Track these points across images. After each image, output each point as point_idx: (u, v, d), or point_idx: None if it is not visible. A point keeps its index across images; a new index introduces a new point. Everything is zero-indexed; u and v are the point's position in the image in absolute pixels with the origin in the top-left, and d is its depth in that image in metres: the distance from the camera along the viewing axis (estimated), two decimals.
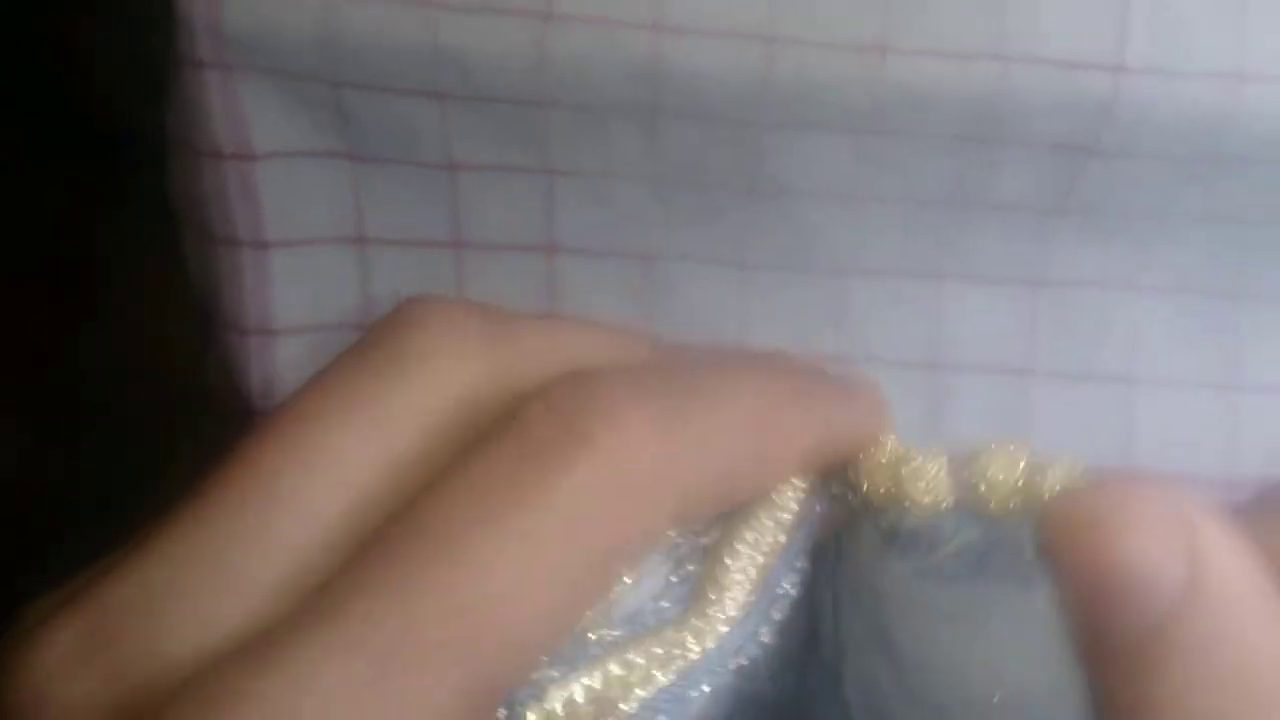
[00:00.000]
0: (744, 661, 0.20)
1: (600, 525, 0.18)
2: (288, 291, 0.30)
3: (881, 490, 0.21)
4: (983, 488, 0.21)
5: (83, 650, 0.17)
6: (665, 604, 0.20)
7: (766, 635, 0.20)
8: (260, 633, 0.17)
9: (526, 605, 0.17)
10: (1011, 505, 0.21)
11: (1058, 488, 0.20)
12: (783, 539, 0.21)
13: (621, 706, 0.18)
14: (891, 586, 0.21)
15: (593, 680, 0.18)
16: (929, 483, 0.21)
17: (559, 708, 0.18)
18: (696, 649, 0.19)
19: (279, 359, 0.31)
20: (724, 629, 0.20)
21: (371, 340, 0.20)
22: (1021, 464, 0.21)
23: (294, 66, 0.28)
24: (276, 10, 0.28)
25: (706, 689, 0.19)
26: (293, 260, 0.30)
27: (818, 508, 0.22)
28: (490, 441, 0.18)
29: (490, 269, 0.31)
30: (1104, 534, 0.18)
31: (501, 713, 0.18)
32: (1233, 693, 0.18)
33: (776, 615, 0.20)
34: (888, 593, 0.21)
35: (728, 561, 0.20)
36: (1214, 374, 0.31)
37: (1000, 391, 0.31)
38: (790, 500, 0.21)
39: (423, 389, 0.19)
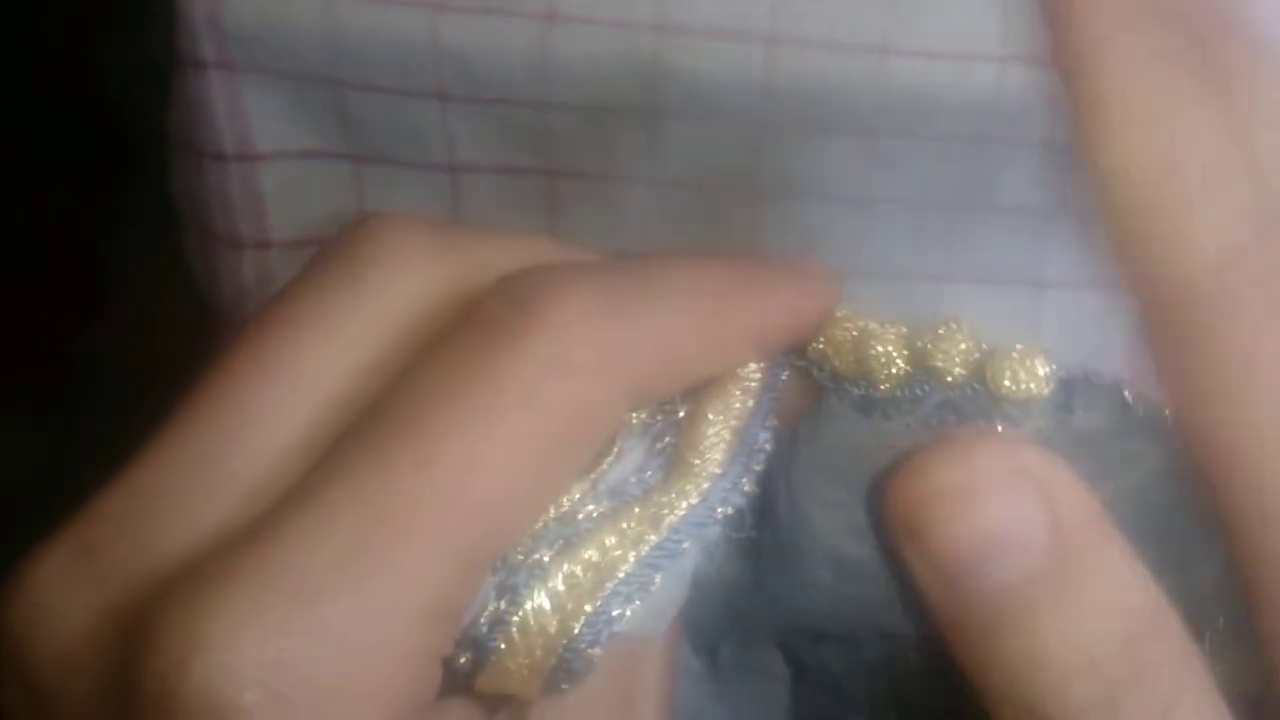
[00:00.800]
0: (730, 510, 0.21)
1: (558, 395, 0.18)
2: None
3: (851, 362, 0.22)
4: (940, 364, 0.22)
5: (74, 562, 0.18)
6: (648, 473, 0.21)
7: (748, 484, 0.21)
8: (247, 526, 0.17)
9: (498, 473, 0.18)
10: (963, 377, 0.22)
11: (1007, 370, 0.21)
12: (751, 403, 0.22)
13: (618, 572, 0.19)
14: (880, 443, 0.22)
15: (589, 553, 0.19)
16: (888, 359, 0.22)
17: (560, 584, 0.19)
18: (683, 504, 0.20)
19: None
20: (707, 484, 0.20)
21: (328, 254, 0.21)
22: (966, 345, 0.22)
23: (297, 67, 0.28)
24: (279, 10, 0.28)
25: (697, 540, 0.20)
26: (295, 260, 0.30)
27: (782, 375, 0.23)
28: (451, 330, 0.19)
29: None
30: (957, 506, 0.19)
31: (502, 602, 0.19)
32: (1100, 627, 0.19)
33: (756, 467, 0.21)
34: (878, 450, 0.22)
35: (702, 428, 0.21)
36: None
37: None
38: (754, 371, 0.22)
39: (379, 294, 0.20)
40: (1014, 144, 0.28)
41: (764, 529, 0.21)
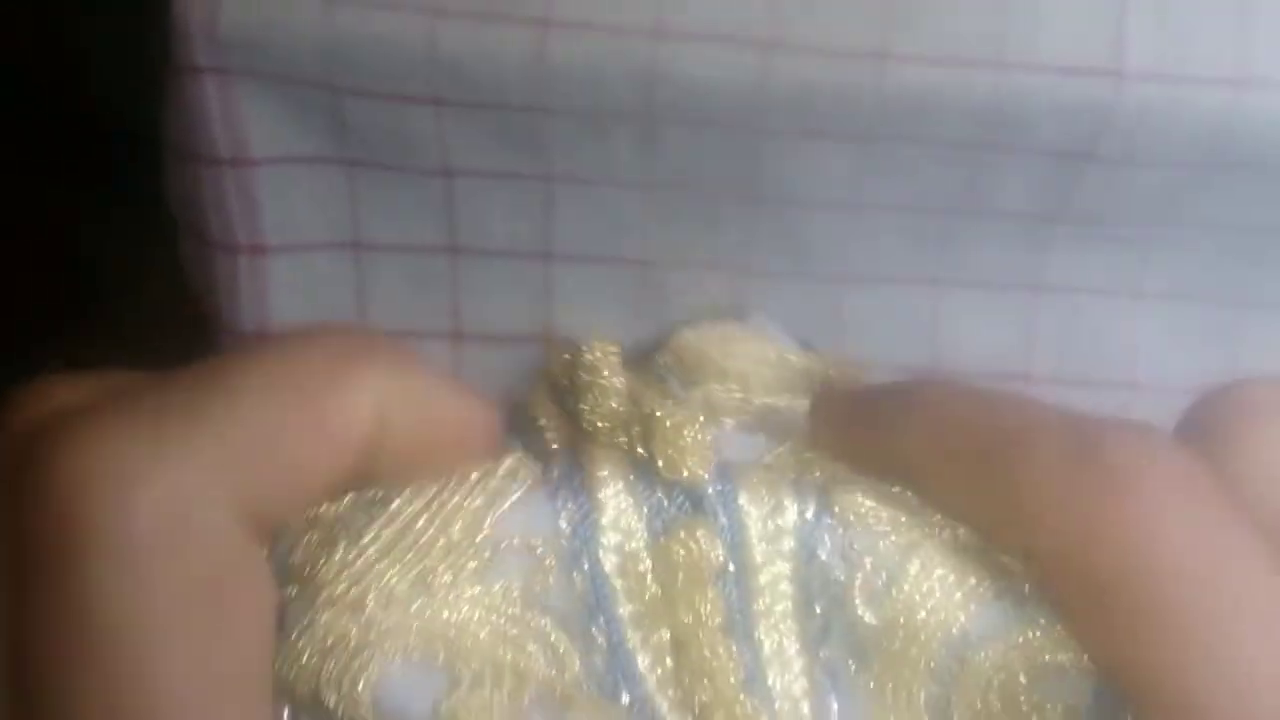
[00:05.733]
0: None
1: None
2: (285, 296, 0.30)
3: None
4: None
5: None
6: None
7: None
8: None
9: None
10: None
11: None
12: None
13: None
14: None
15: None
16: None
17: None
18: None
19: None
20: None
21: None
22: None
23: (292, 72, 0.28)
24: (274, 16, 0.28)
25: None
26: (290, 265, 0.30)
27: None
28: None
29: (486, 275, 0.31)
30: None
31: None
32: None
33: None
34: None
35: None
36: (1214, 381, 0.31)
37: None
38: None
39: None
40: (1011, 149, 0.28)
41: None
